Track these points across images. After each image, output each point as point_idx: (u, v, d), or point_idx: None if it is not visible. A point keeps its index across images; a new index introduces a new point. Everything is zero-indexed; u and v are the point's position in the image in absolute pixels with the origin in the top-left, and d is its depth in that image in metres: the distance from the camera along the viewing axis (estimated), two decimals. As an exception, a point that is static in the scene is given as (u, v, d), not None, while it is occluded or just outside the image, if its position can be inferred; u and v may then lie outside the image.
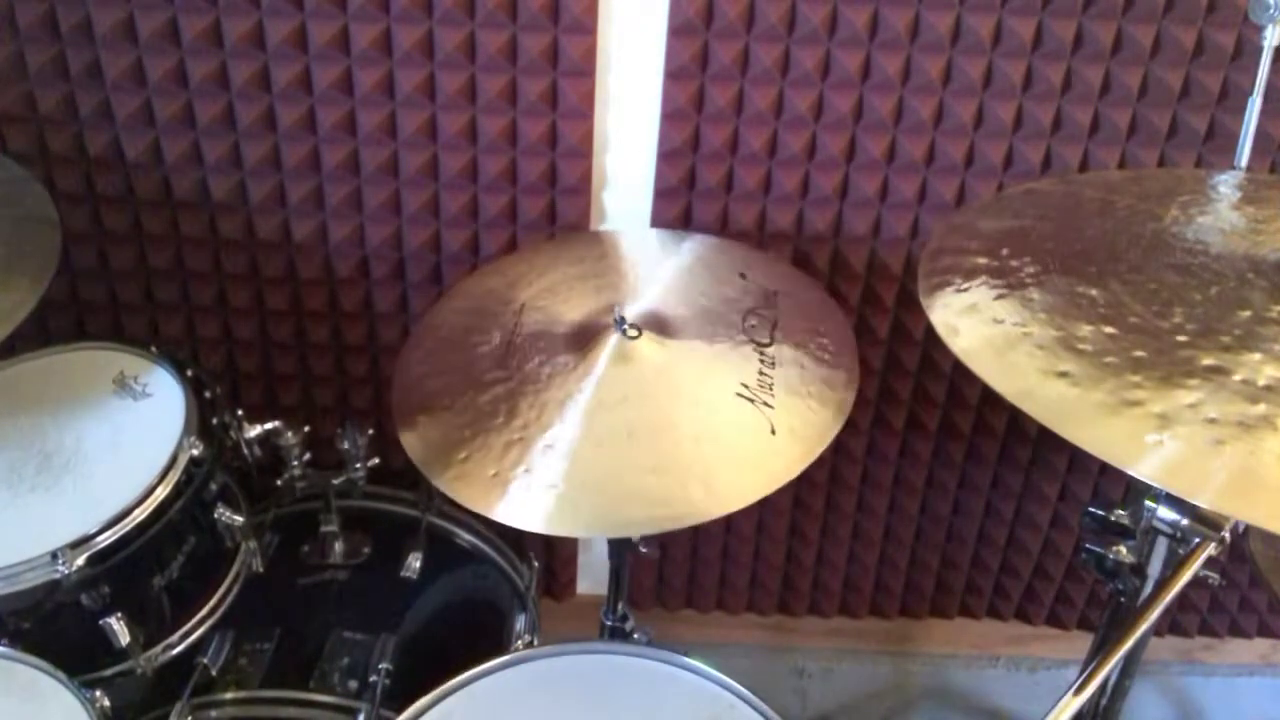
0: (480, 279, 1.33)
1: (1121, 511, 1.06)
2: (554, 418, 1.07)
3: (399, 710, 1.03)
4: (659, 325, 1.16)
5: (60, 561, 1.02)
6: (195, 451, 1.14)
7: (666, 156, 1.40)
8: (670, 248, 1.34)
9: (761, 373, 1.12)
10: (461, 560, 1.41)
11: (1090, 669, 0.88)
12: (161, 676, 1.15)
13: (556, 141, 1.38)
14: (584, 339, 1.15)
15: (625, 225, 1.47)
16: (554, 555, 1.76)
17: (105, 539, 1.05)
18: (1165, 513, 0.96)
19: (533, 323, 1.19)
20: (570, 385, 1.10)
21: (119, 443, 1.14)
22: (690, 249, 1.33)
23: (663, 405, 1.08)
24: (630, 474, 1.02)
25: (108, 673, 1.11)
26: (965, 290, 0.96)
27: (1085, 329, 0.87)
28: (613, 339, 1.13)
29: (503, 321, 1.20)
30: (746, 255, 1.33)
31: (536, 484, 1.02)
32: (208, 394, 1.22)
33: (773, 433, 1.06)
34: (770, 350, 1.15)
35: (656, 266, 1.30)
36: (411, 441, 1.09)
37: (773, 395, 1.09)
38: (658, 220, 1.44)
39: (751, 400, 1.09)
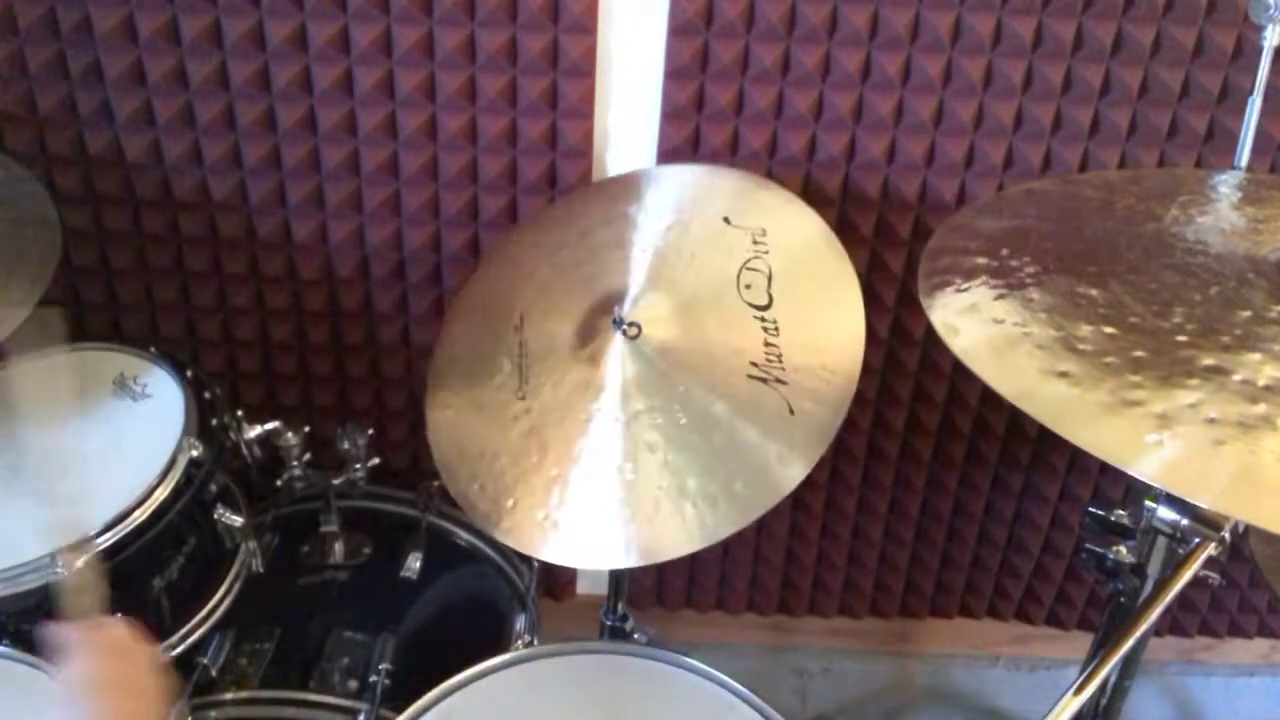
0: (476, 288, 1.31)
1: (1121, 511, 1.06)
2: (585, 446, 1.05)
3: (399, 710, 1.03)
4: (655, 307, 1.14)
5: (60, 563, 1.02)
6: (195, 452, 1.14)
7: (667, 156, 1.39)
8: (649, 195, 1.28)
9: (768, 343, 1.09)
10: (461, 560, 1.41)
11: (1090, 669, 0.88)
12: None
13: (556, 141, 1.38)
14: (588, 343, 1.13)
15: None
16: (554, 555, 1.76)
17: (105, 540, 1.05)
18: (1165, 513, 0.96)
19: (536, 338, 1.17)
20: (590, 405, 1.08)
21: (119, 443, 1.14)
22: (670, 193, 1.27)
23: (683, 406, 1.07)
24: (677, 486, 1.01)
25: (108, 673, 1.11)
26: (965, 290, 0.96)
27: (1085, 329, 0.87)
28: (617, 342, 1.11)
29: (508, 344, 1.18)
30: (729, 188, 1.26)
31: (591, 520, 1.01)
32: (207, 394, 1.22)
33: (791, 413, 1.05)
34: (770, 313, 1.12)
35: (641, 229, 1.23)
36: (470, 500, 1.08)
37: (783, 369, 1.07)
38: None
39: (764, 379, 1.07)
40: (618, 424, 1.06)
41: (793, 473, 1.03)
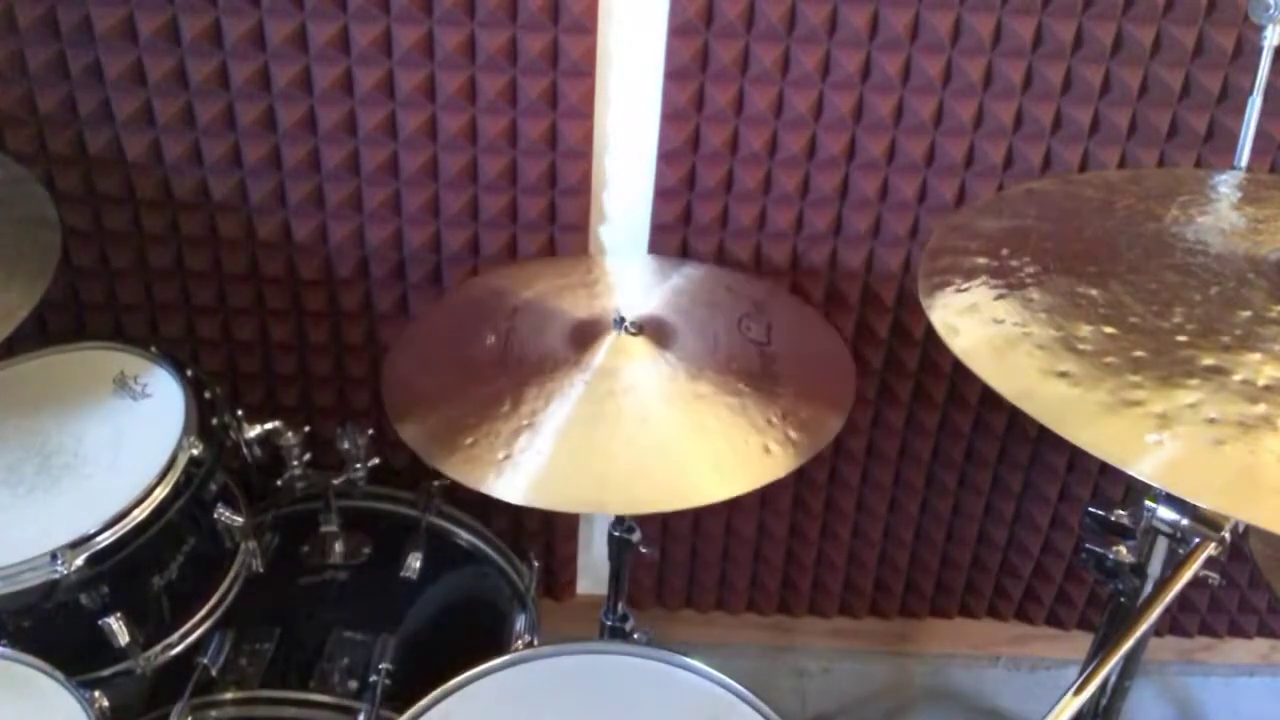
0: (467, 290, 1.34)
1: (1121, 511, 1.06)
2: (563, 404, 1.09)
3: (399, 710, 1.03)
4: (657, 330, 1.18)
5: (59, 562, 1.02)
6: (195, 451, 1.14)
7: (666, 157, 1.40)
8: (658, 275, 1.37)
9: (764, 353, 1.15)
10: (461, 560, 1.41)
11: (1090, 669, 0.88)
12: (161, 677, 1.15)
13: (556, 141, 1.38)
14: (584, 337, 1.17)
15: (625, 226, 1.47)
16: (554, 555, 1.76)
17: (104, 539, 1.05)
18: (1165, 513, 0.96)
19: (529, 325, 1.21)
20: (575, 375, 1.12)
21: (119, 443, 1.14)
22: (678, 276, 1.36)
23: (668, 394, 1.10)
24: (640, 455, 1.05)
25: (107, 673, 1.11)
26: (965, 290, 0.96)
27: (1085, 329, 0.87)
28: (613, 336, 1.15)
29: (496, 324, 1.21)
30: (731, 278, 1.37)
31: (550, 464, 1.04)
32: (208, 394, 1.22)
33: (774, 421, 1.08)
34: (771, 349, 1.17)
35: (647, 285, 1.33)
36: (411, 432, 1.10)
37: (778, 385, 1.12)
38: (658, 220, 1.44)
39: (760, 387, 1.10)
40: (601, 395, 1.10)
41: (760, 476, 1.06)
